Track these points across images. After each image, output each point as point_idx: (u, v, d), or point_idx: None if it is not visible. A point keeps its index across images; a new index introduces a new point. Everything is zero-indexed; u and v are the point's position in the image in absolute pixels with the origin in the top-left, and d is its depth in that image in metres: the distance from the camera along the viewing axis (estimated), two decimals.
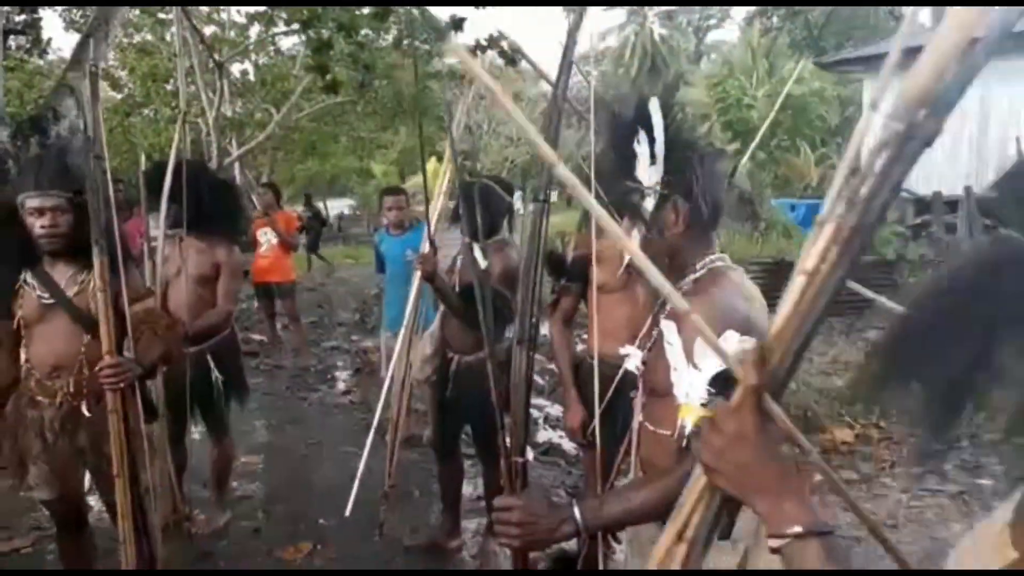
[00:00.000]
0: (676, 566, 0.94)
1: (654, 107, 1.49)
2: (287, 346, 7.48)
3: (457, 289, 3.22)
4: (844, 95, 17.63)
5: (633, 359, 1.69)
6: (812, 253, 0.75)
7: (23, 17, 8.61)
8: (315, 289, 11.46)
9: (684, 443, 1.43)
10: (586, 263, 2.79)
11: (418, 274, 3.24)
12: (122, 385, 2.43)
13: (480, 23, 8.72)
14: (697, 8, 32.86)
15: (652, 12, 31.94)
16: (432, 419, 3.60)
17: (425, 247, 3.29)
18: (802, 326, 0.77)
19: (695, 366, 1.43)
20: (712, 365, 1.39)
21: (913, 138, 0.65)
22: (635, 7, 31.30)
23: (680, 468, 1.44)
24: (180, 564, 3.20)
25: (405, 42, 15.41)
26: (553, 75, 1.61)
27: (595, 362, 2.16)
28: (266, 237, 6.85)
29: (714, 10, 32.90)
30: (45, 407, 2.63)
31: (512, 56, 8.76)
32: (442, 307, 3.35)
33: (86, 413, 2.64)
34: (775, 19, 26.08)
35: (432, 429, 3.61)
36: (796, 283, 0.77)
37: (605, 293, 2.77)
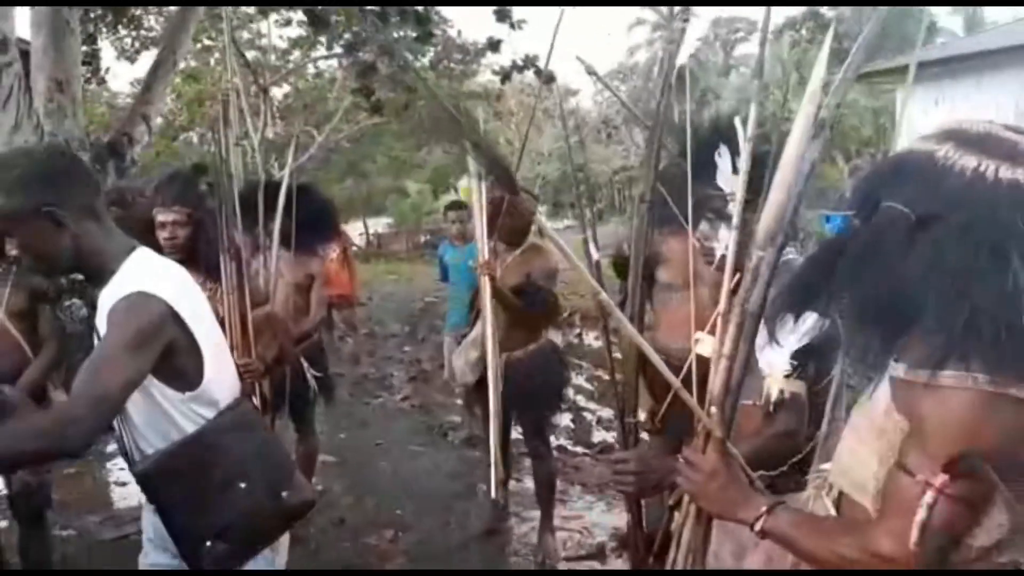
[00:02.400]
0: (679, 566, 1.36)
1: (738, 122, 1.75)
2: (344, 355, 7.83)
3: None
4: (877, 106, 17.74)
5: (704, 345, 1.94)
6: (727, 342, 1.27)
7: (84, 48, 9.11)
8: (365, 303, 11.84)
9: (771, 409, 1.69)
10: (653, 263, 3.05)
11: (484, 278, 3.47)
12: (250, 382, 2.72)
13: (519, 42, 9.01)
14: (724, 20, 33.05)
15: (680, 26, 32.14)
16: (482, 421, 3.82)
17: (485, 253, 3.50)
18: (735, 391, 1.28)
19: (777, 343, 1.69)
20: (792, 341, 1.65)
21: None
22: (663, 21, 31.59)
23: (768, 430, 1.70)
24: None
25: (442, 63, 15.88)
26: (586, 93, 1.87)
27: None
28: (326, 251, 7.22)
29: (741, 23, 33.12)
30: None
31: (547, 76, 9.08)
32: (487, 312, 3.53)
33: None
34: (804, 31, 26.22)
35: (483, 431, 3.83)
36: (721, 366, 1.28)
37: (671, 291, 3.02)
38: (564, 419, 5.60)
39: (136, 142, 6.79)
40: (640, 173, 1.77)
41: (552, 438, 5.30)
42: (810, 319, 1.64)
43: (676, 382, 1.54)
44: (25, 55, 5.54)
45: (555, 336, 3.81)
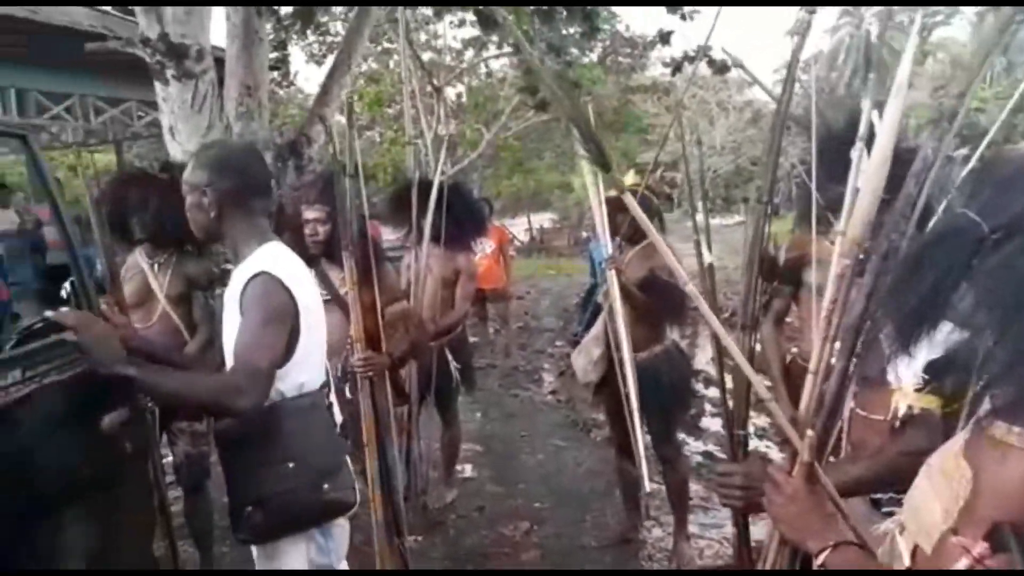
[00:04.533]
0: None
1: (874, 115, 1.62)
2: (497, 347, 8.00)
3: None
4: None
5: None
6: (813, 358, 1.21)
7: (275, 55, 9.89)
8: (522, 297, 12.04)
9: (898, 424, 1.55)
10: (799, 265, 2.87)
11: (611, 274, 3.41)
12: (370, 374, 2.86)
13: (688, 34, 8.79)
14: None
15: (869, 12, 30.04)
16: (609, 420, 3.77)
17: (609, 248, 3.37)
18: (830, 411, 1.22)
19: (908, 354, 1.55)
20: (925, 353, 1.51)
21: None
22: (850, 7, 29.60)
23: (893, 448, 1.56)
24: (418, 529, 3.65)
25: (609, 58, 15.80)
26: (765, 83, 1.77)
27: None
28: (481, 246, 7.42)
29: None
30: None
31: (720, 66, 8.78)
32: (606, 309, 3.43)
33: (347, 395, 3.12)
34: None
35: (610, 430, 3.77)
36: (809, 382, 1.22)
37: (820, 296, 2.84)
38: (714, 424, 5.42)
39: (313, 141, 7.29)
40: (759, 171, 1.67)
41: (700, 443, 5.19)
42: (945, 328, 1.49)
43: (766, 394, 1.46)
44: (220, 63, 6.10)
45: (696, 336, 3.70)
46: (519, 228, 23.56)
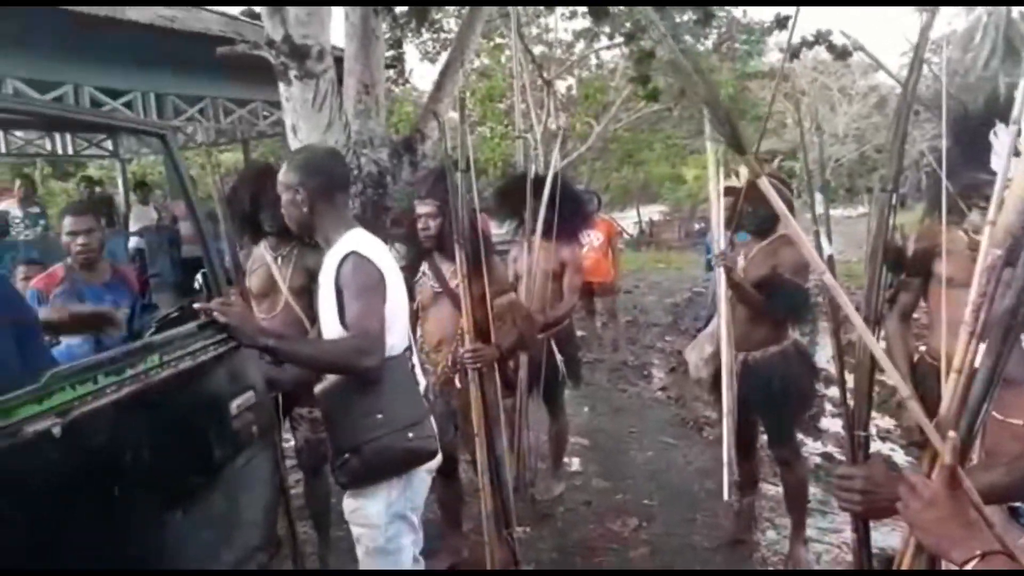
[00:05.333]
0: None
1: (1019, 96, 1.50)
2: (605, 341, 7.94)
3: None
4: None
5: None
6: (957, 355, 1.11)
7: (391, 53, 10.18)
8: (630, 291, 11.91)
9: None
10: (928, 256, 2.71)
11: (720, 270, 3.32)
12: (479, 365, 2.90)
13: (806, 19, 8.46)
14: None
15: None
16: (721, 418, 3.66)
17: (721, 243, 3.29)
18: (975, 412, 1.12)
19: None
20: None
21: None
22: None
23: None
24: (525, 521, 3.68)
25: (724, 45, 15.36)
26: (891, 67, 1.67)
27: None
28: (588, 239, 7.37)
29: None
30: (430, 374, 3.21)
31: (841, 50, 8.38)
32: (723, 305, 3.32)
33: (457, 384, 3.17)
34: None
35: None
36: (951, 381, 1.13)
37: (951, 288, 2.66)
38: (834, 425, 5.20)
39: (427, 138, 7.44)
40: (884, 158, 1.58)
41: (819, 444, 4.98)
42: None
43: (908, 390, 1.38)
44: (339, 62, 6.32)
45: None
46: (628, 221, 23.31)
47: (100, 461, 1.62)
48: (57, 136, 12.12)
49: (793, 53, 8.10)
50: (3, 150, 11.67)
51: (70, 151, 12.77)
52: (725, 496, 3.15)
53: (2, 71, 7.09)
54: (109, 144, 12.48)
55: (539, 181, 3.94)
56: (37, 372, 1.53)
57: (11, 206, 8.27)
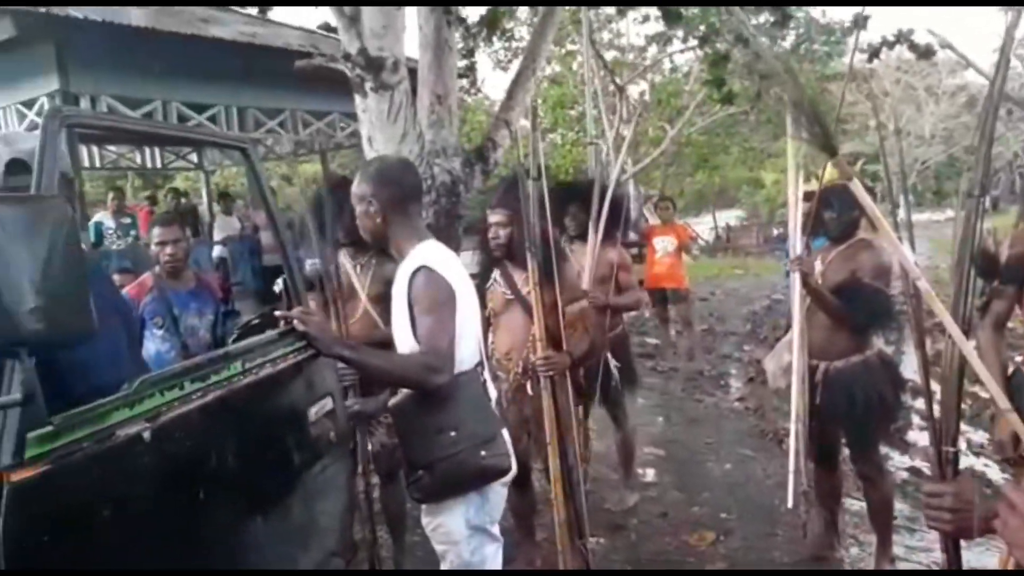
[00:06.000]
0: None
1: None
2: (680, 350, 7.81)
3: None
4: None
5: None
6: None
7: (463, 63, 10.30)
8: (706, 299, 11.70)
9: None
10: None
11: (795, 275, 3.20)
12: (551, 374, 2.89)
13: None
14: None
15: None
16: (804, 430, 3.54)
17: (798, 248, 3.20)
18: None
19: None
20: None
21: None
22: None
23: None
24: (599, 531, 3.65)
25: (803, 46, 14.96)
26: (983, 65, 1.59)
27: None
28: (662, 245, 7.28)
29: None
30: (502, 381, 3.22)
31: (924, 49, 8.07)
32: (803, 313, 3.22)
33: (529, 391, 3.17)
34: None
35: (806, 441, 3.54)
36: None
37: None
38: (922, 438, 4.98)
39: (499, 146, 7.48)
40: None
41: (906, 458, 4.78)
42: None
43: (1006, 402, 1.32)
44: (412, 73, 6.43)
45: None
46: (704, 227, 22.93)
47: (186, 465, 1.68)
48: (147, 150, 12.76)
49: (873, 53, 7.82)
50: (97, 164, 12.34)
51: (158, 164, 13.41)
52: (790, 504, 3.04)
53: (96, 89, 7.49)
54: (194, 157, 13.04)
55: (585, 187, 3.97)
56: (130, 377, 1.60)
57: (104, 217, 8.69)
